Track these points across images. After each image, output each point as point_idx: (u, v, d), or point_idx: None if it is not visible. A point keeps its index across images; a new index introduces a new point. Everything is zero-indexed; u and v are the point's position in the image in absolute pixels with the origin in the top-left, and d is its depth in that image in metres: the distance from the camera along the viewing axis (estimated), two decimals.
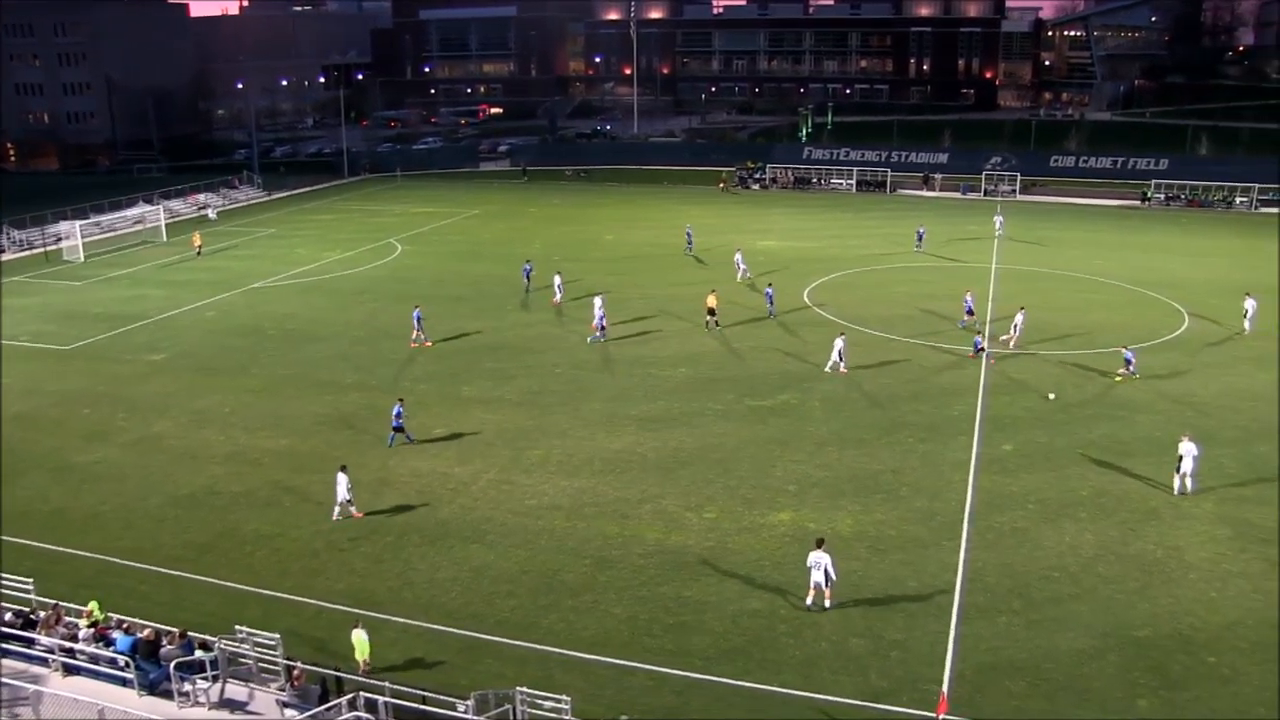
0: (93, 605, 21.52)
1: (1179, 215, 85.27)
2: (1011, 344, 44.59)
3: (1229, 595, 25.19)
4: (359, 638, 22.38)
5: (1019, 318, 45.51)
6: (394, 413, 34.67)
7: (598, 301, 47.93)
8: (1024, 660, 22.71)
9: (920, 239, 66.55)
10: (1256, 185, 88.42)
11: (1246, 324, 47.72)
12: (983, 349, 43.38)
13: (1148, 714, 20.89)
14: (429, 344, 45.93)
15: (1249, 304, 47.99)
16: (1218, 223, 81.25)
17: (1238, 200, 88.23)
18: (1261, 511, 29.56)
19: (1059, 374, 41.64)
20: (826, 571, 24.44)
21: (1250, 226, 79.30)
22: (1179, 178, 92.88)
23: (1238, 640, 23.33)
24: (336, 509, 29.82)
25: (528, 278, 55.95)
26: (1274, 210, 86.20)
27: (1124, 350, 41.36)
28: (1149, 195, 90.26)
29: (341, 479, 29.56)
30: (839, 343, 42.04)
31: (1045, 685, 21.82)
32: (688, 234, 67.65)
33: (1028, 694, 21.54)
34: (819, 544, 24.77)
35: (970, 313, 48.74)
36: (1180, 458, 30.39)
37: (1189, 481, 30.43)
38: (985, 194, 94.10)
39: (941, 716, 19.98)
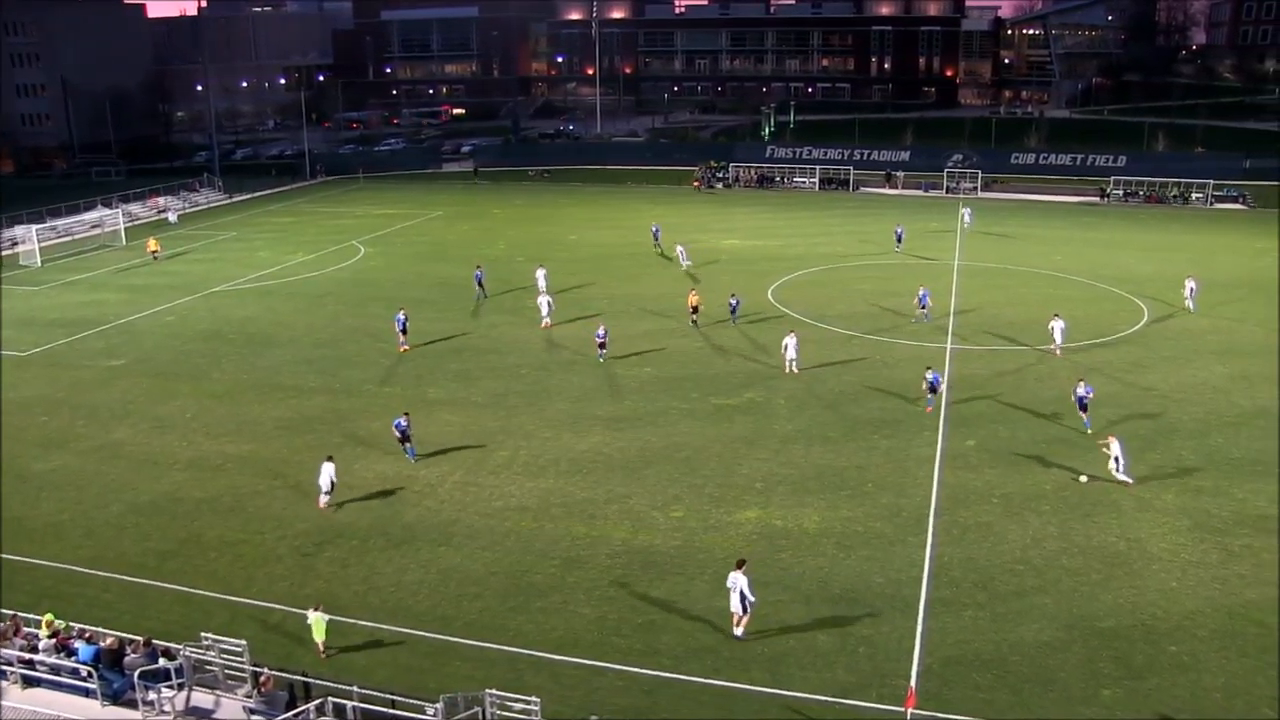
0: (48, 617, 21.15)
1: (1137, 211, 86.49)
2: (1057, 351, 43.60)
3: (1189, 585, 25.57)
4: (316, 619, 22.27)
5: (1057, 324, 43.99)
6: (396, 425, 33.48)
7: (544, 302, 49.01)
8: (990, 653, 22.92)
9: (899, 239, 66.42)
10: (1212, 181, 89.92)
11: (1189, 303, 51.00)
12: (936, 393, 37.53)
13: (1111, 704, 21.16)
14: (407, 348, 45.45)
15: (1189, 284, 51.60)
16: (1175, 218, 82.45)
17: (1194, 196, 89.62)
18: (1219, 502, 30.04)
19: (1019, 369, 42.06)
20: (743, 594, 23.19)
21: (1206, 222, 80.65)
22: (1137, 174, 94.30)
23: (1197, 629, 23.69)
24: (324, 498, 30.19)
25: (480, 284, 55.06)
26: (1229, 206, 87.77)
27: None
28: (1108, 192, 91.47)
29: (327, 468, 30.04)
30: (790, 340, 41.77)
31: (1011, 677, 22.04)
32: (654, 232, 67.54)
33: (994, 686, 21.75)
34: (739, 565, 23.65)
35: (923, 306, 49.07)
36: (1115, 459, 31.03)
37: (1123, 473, 31.15)
38: (947, 191, 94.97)
39: (910, 711, 20.10)
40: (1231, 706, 21.04)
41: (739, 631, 23.49)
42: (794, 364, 41.52)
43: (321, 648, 22.77)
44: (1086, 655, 22.77)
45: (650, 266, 62.79)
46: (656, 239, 67.39)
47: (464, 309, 52.75)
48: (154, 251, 67.41)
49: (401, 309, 46.64)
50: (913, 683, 21.44)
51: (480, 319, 50.90)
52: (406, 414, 34.02)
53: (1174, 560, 26.74)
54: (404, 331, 45.62)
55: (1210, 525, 28.62)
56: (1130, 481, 30.82)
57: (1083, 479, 31.38)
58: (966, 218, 74.36)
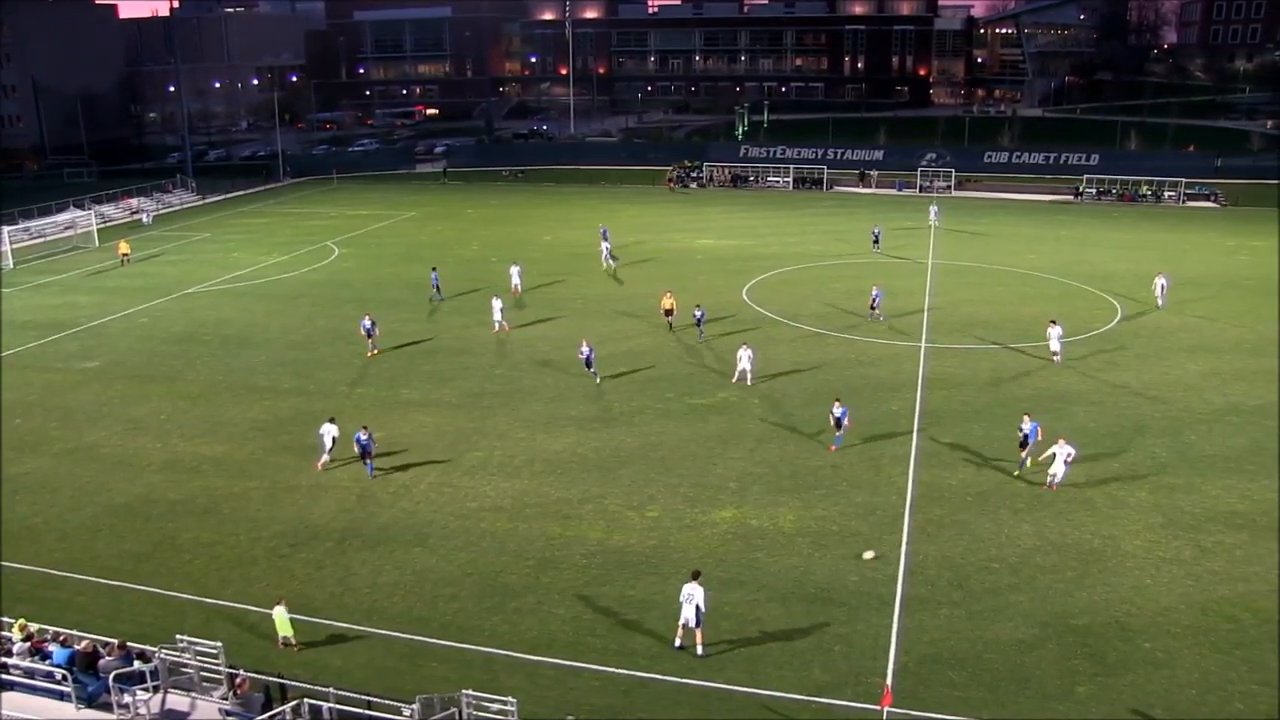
0: (20, 621, 20.95)
1: (1110, 209, 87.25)
2: (1056, 359, 42.45)
3: (1162, 581, 25.79)
4: (279, 615, 22.14)
5: (1054, 331, 42.58)
6: (356, 439, 32.45)
7: (497, 304, 48.51)
8: (965, 651, 23.04)
9: (877, 240, 66.52)
10: (1184, 180, 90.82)
11: (1160, 301, 51.57)
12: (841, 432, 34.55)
13: (1086, 700, 21.31)
14: (376, 351, 44.99)
15: (1159, 281, 52.10)
16: (1147, 216, 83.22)
17: (1166, 194, 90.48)
18: (1192, 499, 30.32)
19: (994, 367, 42.33)
20: (698, 607, 22.66)
21: (1178, 220, 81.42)
22: (1110, 172, 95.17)
23: (1171, 625, 23.90)
24: (325, 457, 32.43)
25: (436, 286, 54.90)
26: (1201, 204, 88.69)
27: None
28: (1081, 190, 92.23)
29: (329, 428, 32.36)
30: (744, 352, 40.23)
31: (987, 675, 22.17)
32: (604, 235, 65.49)
33: (970, 684, 21.87)
34: (694, 576, 23.28)
35: (875, 306, 49.05)
36: (1051, 457, 30.82)
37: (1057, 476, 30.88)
38: (921, 190, 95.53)
39: (886, 709, 20.18)
40: (1205, 701, 21.24)
41: (699, 649, 22.84)
42: (749, 374, 40.07)
43: (282, 642, 22.59)
44: (1061, 652, 22.93)
45: (624, 267, 62.65)
46: (606, 240, 65.10)
47: (436, 309, 52.58)
48: (124, 255, 66.53)
49: (367, 314, 46.09)
50: (889, 681, 21.51)
51: (454, 319, 50.65)
52: (366, 428, 32.83)
53: (1148, 557, 26.97)
54: (370, 336, 44.98)
55: (1183, 522, 28.88)
56: (1052, 483, 30.56)
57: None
58: (933, 215, 75.23)
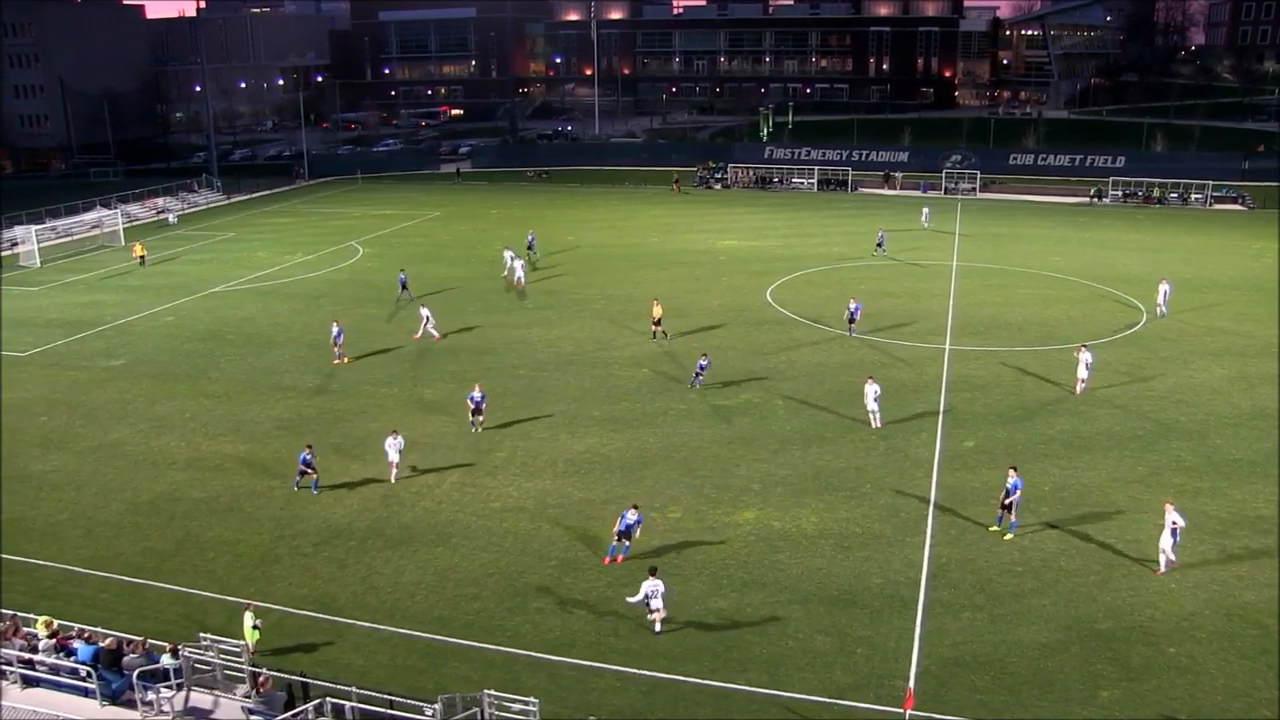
0: (45, 618, 21.09)
1: (1135, 212, 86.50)
2: (1079, 388, 39.02)
3: (1187, 586, 25.57)
4: (247, 620, 22.26)
5: (1085, 357, 39.07)
6: (300, 459, 31.63)
7: (425, 312, 47.74)
8: (988, 655, 22.92)
9: (881, 244, 65.86)
10: (1210, 182, 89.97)
11: (1160, 307, 50.16)
12: None
13: (1109, 705, 21.16)
14: (347, 359, 44.20)
15: (1163, 287, 50.59)
16: (1173, 219, 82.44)
17: (1193, 197, 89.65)
18: (1217, 503, 30.06)
19: (1017, 370, 42.07)
20: (657, 594, 23.52)
21: (1204, 222, 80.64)
22: (1135, 174, 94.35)
23: (1196, 630, 23.70)
24: (394, 472, 31.94)
25: (404, 287, 54.81)
26: (1228, 207, 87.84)
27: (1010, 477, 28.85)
28: (1101, 193, 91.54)
29: (392, 442, 31.84)
30: (870, 389, 35.84)
31: (1009, 679, 22.04)
32: (530, 240, 64.66)
33: (992, 688, 21.75)
34: (652, 572, 23.92)
35: (853, 320, 46.63)
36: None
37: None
38: (945, 192, 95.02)
39: (908, 712, 20.11)
40: (1230, 708, 21.05)
41: (657, 627, 23.88)
42: (876, 415, 35.81)
43: (251, 649, 21.86)
44: (1084, 657, 22.78)
45: (646, 268, 62.74)
46: (531, 248, 64.18)
47: (460, 309, 52.69)
48: (141, 256, 66.82)
49: (336, 321, 45.48)
50: (911, 684, 21.43)
51: (478, 318, 50.76)
52: (310, 446, 31.99)
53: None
54: (337, 343, 44.09)
55: (1208, 526, 28.63)
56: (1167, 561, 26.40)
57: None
58: (925, 217, 75.27)
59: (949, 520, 29.21)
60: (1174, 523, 26.05)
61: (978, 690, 21.68)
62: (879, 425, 35.80)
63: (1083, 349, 39.70)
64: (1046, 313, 51.08)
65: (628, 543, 27.22)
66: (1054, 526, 28.70)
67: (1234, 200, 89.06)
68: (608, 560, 27.14)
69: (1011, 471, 28.64)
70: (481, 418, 36.20)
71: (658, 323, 46.79)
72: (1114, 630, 23.74)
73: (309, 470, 31.37)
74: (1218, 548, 27.39)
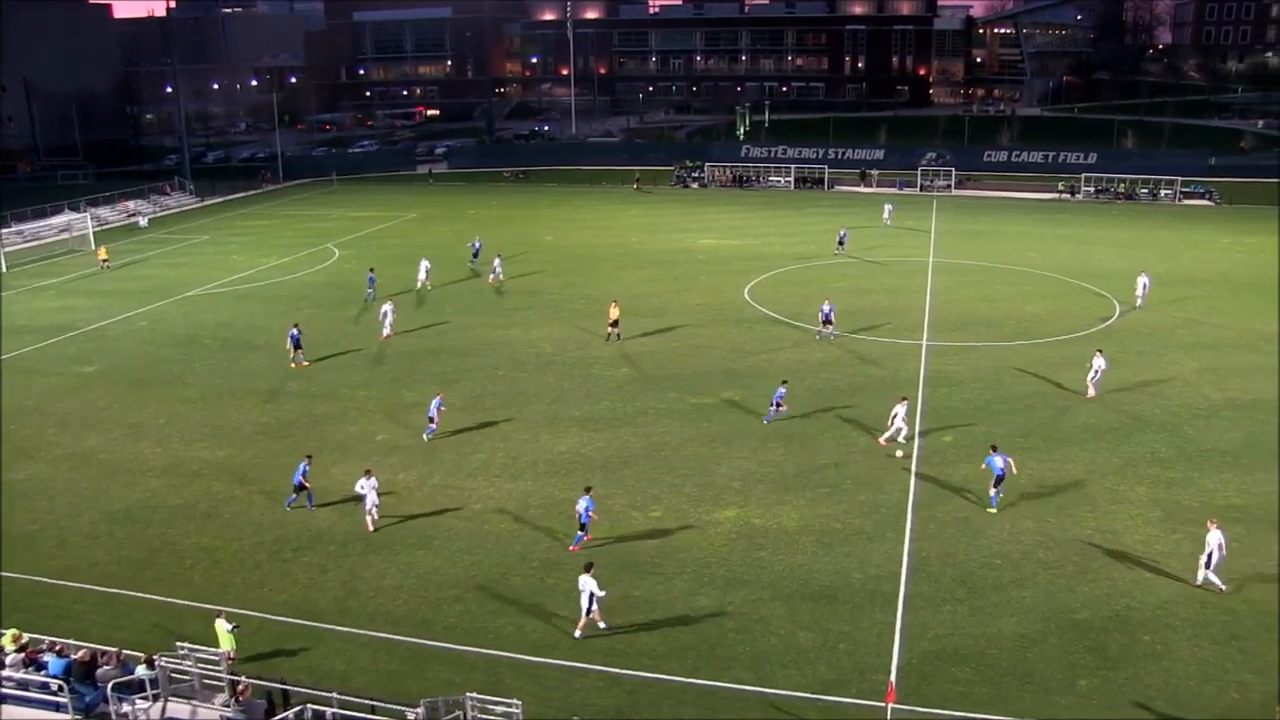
0: (12, 631, 20.74)
1: (1108, 207, 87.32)
2: (1090, 392, 38.46)
3: (1161, 575, 25.84)
4: (220, 627, 22.03)
5: (1098, 362, 38.32)
6: (300, 468, 30.46)
7: (387, 307, 47.79)
8: (969, 647, 23.07)
9: (842, 242, 65.66)
10: (1180, 178, 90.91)
11: (1139, 300, 51.09)
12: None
13: (1088, 694, 21.35)
14: (305, 364, 43.82)
15: (1141, 280, 51.45)
16: (1144, 214, 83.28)
17: (1162, 193, 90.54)
18: (1190, 493, 30.39)
19: (994, 364, 42.34)
20: (592, 594, 23.15)
21: (1174, 218, 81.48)
22: (1107, 171, 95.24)
23: (1170, 618, 23.98)
24: (369, 519, 28.97)
25: (371, 286, 54.85)
26: (1196, 202, 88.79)
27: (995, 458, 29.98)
28: (1073, 189, 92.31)
29: (365, 484, 28.84)
30: (899, 409, 34.00)
31: (990, 671, 22.19)
32: (473, 247, 64.09)
33: (973, 680, 21.89)
34: (587, 568, 23.60)
35: (828, 322, 45.75)
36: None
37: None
38: (921, 189, 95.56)
39: (890, 706, 20.20)
40: (1202, 692, 21.33)
41: (601, 624, 23.78)
42: (901, 434, 33.89)
43: (230, 656, 21.53)
44: (1063, 647, 22.97)
45: (627, 267, 62.76)
46: (475, 253, 63.55)
47: (439, 310, 52.54)
48: (104, 261, 66.14)
49: (295, 324, 45.08)
50: (893, 678, 21.54)
51: (457, 319, 50.62)
52: (309, 457, 31.15)
53: (1147, 551, 27.03)
54: (298, 347, 43.76)
55: (1181, 516, 28.93)
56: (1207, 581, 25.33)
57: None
58: (887, 214, 75.54)
59: (929, 515, 29.36)
60: (1219, 544, 24.72)
61: (959, 683, 21.81)
62: (884, 443, 34.05)
63: (1098, 354, 38.73)
64: (1023, 308, 51.43)
65: (579, 532, 27.73)
66: (1032, 519, 28.90)
67: (1202, 196, 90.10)
68: (574, 548, 27.60)
69: (994, 451, 29.84)
70: (434, 426, 35.54)
71: (614, 324, 46.28)
72: (1091, 620, 23.96)
73: (304, 486, 30.18)
74: (1191, 537, 27.61)
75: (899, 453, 33.60)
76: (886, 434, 34.09)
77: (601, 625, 23.81)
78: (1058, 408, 37.47)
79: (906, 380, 40.53)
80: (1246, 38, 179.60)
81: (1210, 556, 24.85)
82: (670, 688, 21.95)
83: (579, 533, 27.81)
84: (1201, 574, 25.15)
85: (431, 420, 35.36)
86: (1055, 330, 47.08)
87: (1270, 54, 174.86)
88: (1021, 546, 27.46)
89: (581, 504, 27.51)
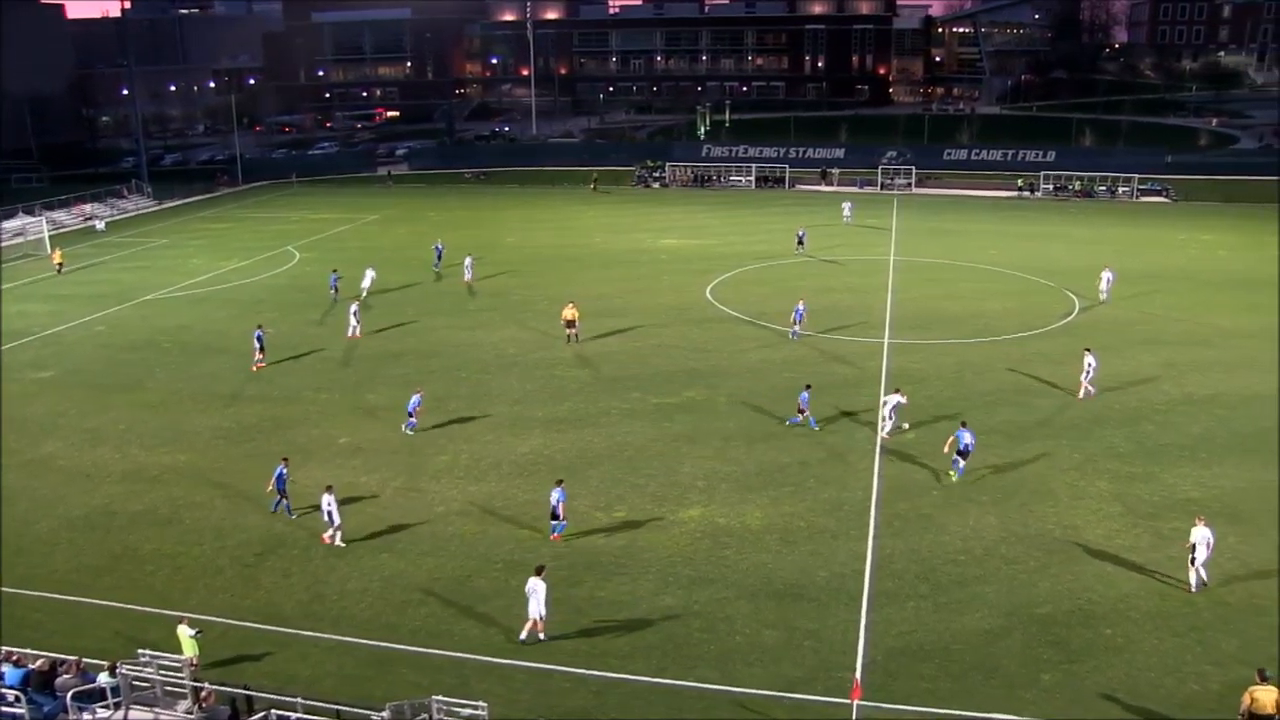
0: None
1: (1066, 205, 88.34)
2: (1081, 393, 38.43)
3: (1122, 569, 26.17)
4: (183, 633, 21.80)
5: (1089, 360, 38.32)
6: (276, 473, 29.79)
7: (354, 308, 48.37)
8: (933, 643, 23.24)
9: (801, 241, 65.98)
10: (1136, 175, 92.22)
11: (1103, 294, 52.06)
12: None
13: (1051, 687, 21.57)
14: (263, 365, 43.44)
15: (1106, 275, 52.47)
16: (1103, 212, 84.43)
17: (1120, 190, 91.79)
18: (1150, 488, 30.80)
19: (956, 362, 42.72)
20: (538, 596, 23.05)
21: (1131, 215, 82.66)
22: (1065, 168, 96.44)
23: (1131, 610, 24.29)
24: (331, 534, 28.03)
25: (335, 288, 54.83)
26: (1153, 199, 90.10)
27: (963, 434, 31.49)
28: (1031, 186, 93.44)
29: (327, 499, 27.71)
30: (893, 398, 35.08)
31: (954, 666, 22.37)
32: (436, 250, 63.17)
33: (937, 675, 22.06)
34: (538, 571, 23.44)
35: (798, 322, 45.84)
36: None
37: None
38: (882, 188, 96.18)
39: (855, 703, 20.31)
40: (1162, 684, 21.61)
41: (541, 635, 23.33)
42: (889, 425, 35.01)
43: (193, 661, 21.37)
44: (1026, 641, 23.20)
45: (591, 268, 62.72)
46: (438, 257, 62.66)
47: (401, 313, 52.22)
48: (60, 264, 65.11)
49: (259, 325, 44.86)
50: (858, 675, 21.65)
51: (421, 322, 50.38)
52: (285, 459, 30.60)
53: (1108, 545, 27.37)
54: (261, 349, 43.57)
55: (1141, 510, 29.34)
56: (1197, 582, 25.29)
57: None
58: (846, 212, 76.11)
59: (892, 512, 29.57)
60: (1207, 541, 24.72)
61: (924, 679, 21.97)
62: (886, 435, 34.70)
63: (1087, 351, 38.86)
64: (983, 305, 51.94)
65: (553, 521, 27.99)
66: (995, 515, 29.18)
67: (1159, 193, 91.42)
68: (555, 537, 28.10)
69: (963, 427, 31.46)
70: (412, 420, 36.00)
71: (571, 324, 46.04)
72: (1054, 614, 24.22)
73: (284, 494, 29.57)
74: (1150, 530, 28.07)
75: (905, 425, 35.25)
76: (886, 428, 34.94)
77: (540, 636, 23.44)
78: (1019, 404, 37.86)
79: (869, 378, 40.80)
80: (1200, 37, 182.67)
81: (1195, 551, 24.76)
82: (637, 688, 21.95)
83: (555, 522, 27.98)
84: (1193, 574, 24.96)
85: (410, 415, 35.80)
86: (1016, 327, 47.59)
87: (1223, 53, 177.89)
88: (984, 542, 27.72)
89: (554, 495, 27.77)
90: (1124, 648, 22.90)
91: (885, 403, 35.12)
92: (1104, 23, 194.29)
